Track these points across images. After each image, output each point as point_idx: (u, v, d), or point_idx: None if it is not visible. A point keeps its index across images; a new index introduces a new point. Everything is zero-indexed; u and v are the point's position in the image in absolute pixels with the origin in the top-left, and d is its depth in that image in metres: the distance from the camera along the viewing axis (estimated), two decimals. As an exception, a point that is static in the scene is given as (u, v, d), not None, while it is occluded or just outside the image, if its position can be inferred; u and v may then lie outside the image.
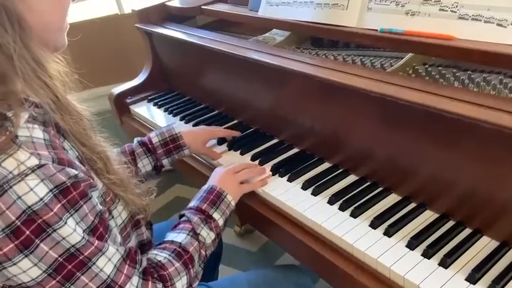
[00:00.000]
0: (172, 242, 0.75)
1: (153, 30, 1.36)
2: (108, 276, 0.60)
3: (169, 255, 0.72)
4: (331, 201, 0.86)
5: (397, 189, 0.85)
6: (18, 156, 0.53)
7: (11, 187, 0.52)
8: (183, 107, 1.35)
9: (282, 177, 0.96)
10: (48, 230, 0.55)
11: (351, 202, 0.84)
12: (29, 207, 0.53)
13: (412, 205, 0.82)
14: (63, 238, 0.56)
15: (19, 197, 0.53)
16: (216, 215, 0.81)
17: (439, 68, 0.88)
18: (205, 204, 0.82)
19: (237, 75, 1.17)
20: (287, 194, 0.90)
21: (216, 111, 1.30)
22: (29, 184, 0.53)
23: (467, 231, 0.75)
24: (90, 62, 1.34)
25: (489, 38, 0.73)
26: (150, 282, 0.65)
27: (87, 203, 0.59)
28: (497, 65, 0.77)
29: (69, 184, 0.56)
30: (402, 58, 0.93)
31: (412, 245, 0.73)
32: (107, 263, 0.60)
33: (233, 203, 0.86)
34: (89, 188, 0.60)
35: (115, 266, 0.61)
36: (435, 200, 0.79)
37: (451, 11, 0.78)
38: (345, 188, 0.89)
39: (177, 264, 0.71)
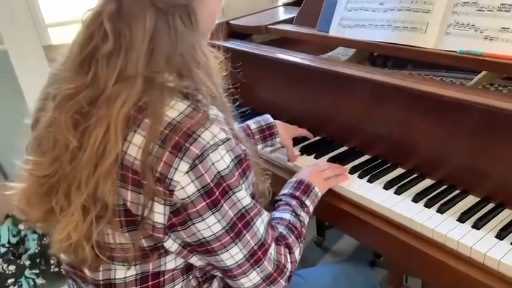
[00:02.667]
0: (281, 218, 0.84)
1: (225, 45, 1.47)
2: (262, 235, 0.70)
3: (285, 229, 0.81)
4: (415, 200, 0.95)
5: (474, 191, 0.95)
6: (212, 130, 0.63)
7: (208, 155, 0.62)
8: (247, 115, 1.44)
9: (361, 178, 1.05)
10: (229, 192, 0.64)
11: (435, 200, 0.94)
12: (219, 172, 0.63)
13: (491, 205, 0.92)
14: (239, 200, 0.66)
15: (213, 163, 0.62)
16: (307, 202, 0.91)
17: (508, 87, 1.00)
18: (298, 192, 0.92)
19: (306, 87, 1.27)
20: (371, 193, 1.00)
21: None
22: (220, 153, 0.63)
23: (546, 226, 0.85)
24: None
25: None
26: (282, 247, 0.76)
27: (251, 173, 0.69)
28: None
29: (243, 156, 0.66)
30: (469, 78, 1.06)
31: (501, 235, 0.83)
32: (261, 224, 0.70)
33: (320, 194, 0.95)
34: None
35: (265, 227, 0.71)
36: (514, 200, 0.90)
37: (529, 37, 0.92)
38: (425, 189, 0.98)
39: (293, 237, 0.81)
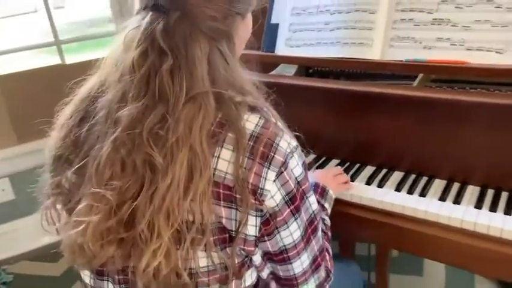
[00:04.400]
0: None
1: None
2: (322, 241, 0.74)
3: None
4: (423, 195, 1.04)
5: (470, 181, 1.06)
6: (286, 138, 0.65)
7: (288, 162, 0.65)
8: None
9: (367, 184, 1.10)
10: (304, 197, 0.68)
11: (446, 194, 1.04)
12: (296, 178, 0.66)
13: (491, 191, 1.04)
14: (310, 205, 0.70)
15: (292, 170, 0.66)
16: (326, 205, 0.95)
17: (438, 87, 1.22)
18: (317, 195, 0.94)
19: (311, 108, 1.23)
20: (378, 193, 1.06)
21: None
22: (296, 159, 0.66)
23: None
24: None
25: (491, 62, 1.10)
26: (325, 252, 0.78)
27: None
28: (496, 77, 1.13)
29: (306, 161, 0.72)
30: (406, 83, 1.22)
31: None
32: (319, 229, 0.74)
33: (333, 197, 0.99)
34: None
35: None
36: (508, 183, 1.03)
37: (460, 45, 1.13)
38: (427, 186, 1.07)
39: (326, 242, 0.82)
